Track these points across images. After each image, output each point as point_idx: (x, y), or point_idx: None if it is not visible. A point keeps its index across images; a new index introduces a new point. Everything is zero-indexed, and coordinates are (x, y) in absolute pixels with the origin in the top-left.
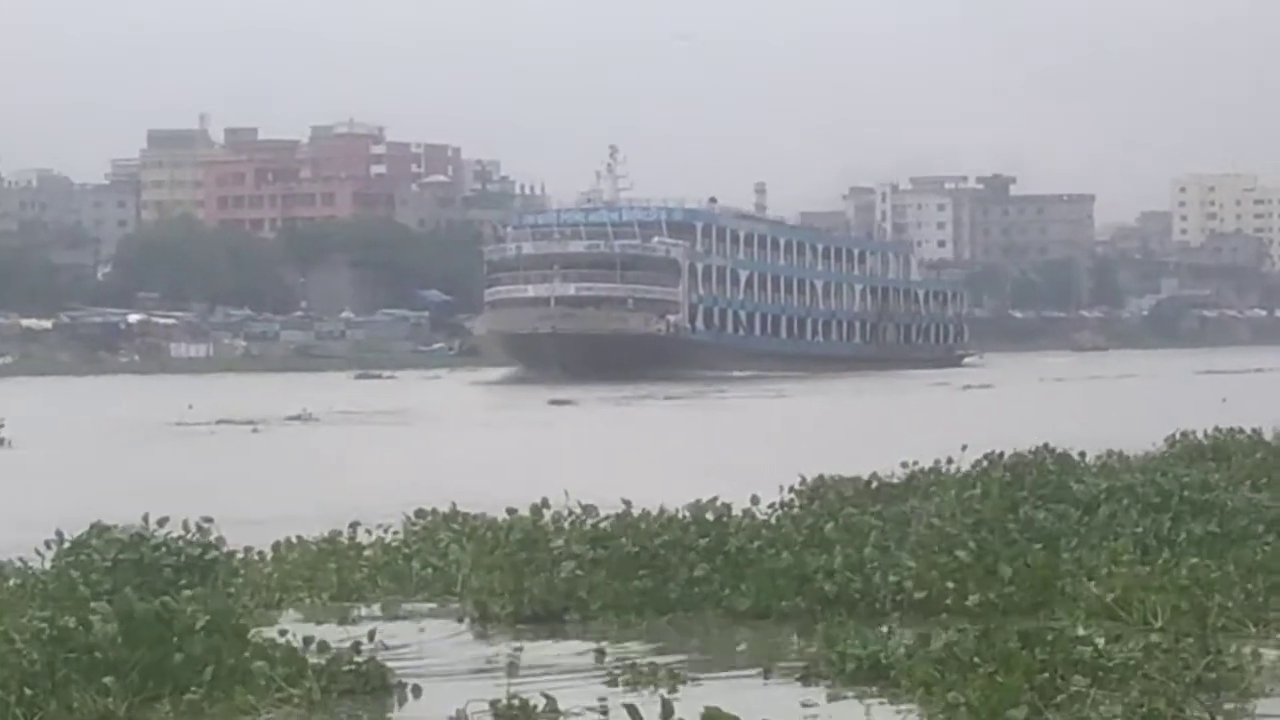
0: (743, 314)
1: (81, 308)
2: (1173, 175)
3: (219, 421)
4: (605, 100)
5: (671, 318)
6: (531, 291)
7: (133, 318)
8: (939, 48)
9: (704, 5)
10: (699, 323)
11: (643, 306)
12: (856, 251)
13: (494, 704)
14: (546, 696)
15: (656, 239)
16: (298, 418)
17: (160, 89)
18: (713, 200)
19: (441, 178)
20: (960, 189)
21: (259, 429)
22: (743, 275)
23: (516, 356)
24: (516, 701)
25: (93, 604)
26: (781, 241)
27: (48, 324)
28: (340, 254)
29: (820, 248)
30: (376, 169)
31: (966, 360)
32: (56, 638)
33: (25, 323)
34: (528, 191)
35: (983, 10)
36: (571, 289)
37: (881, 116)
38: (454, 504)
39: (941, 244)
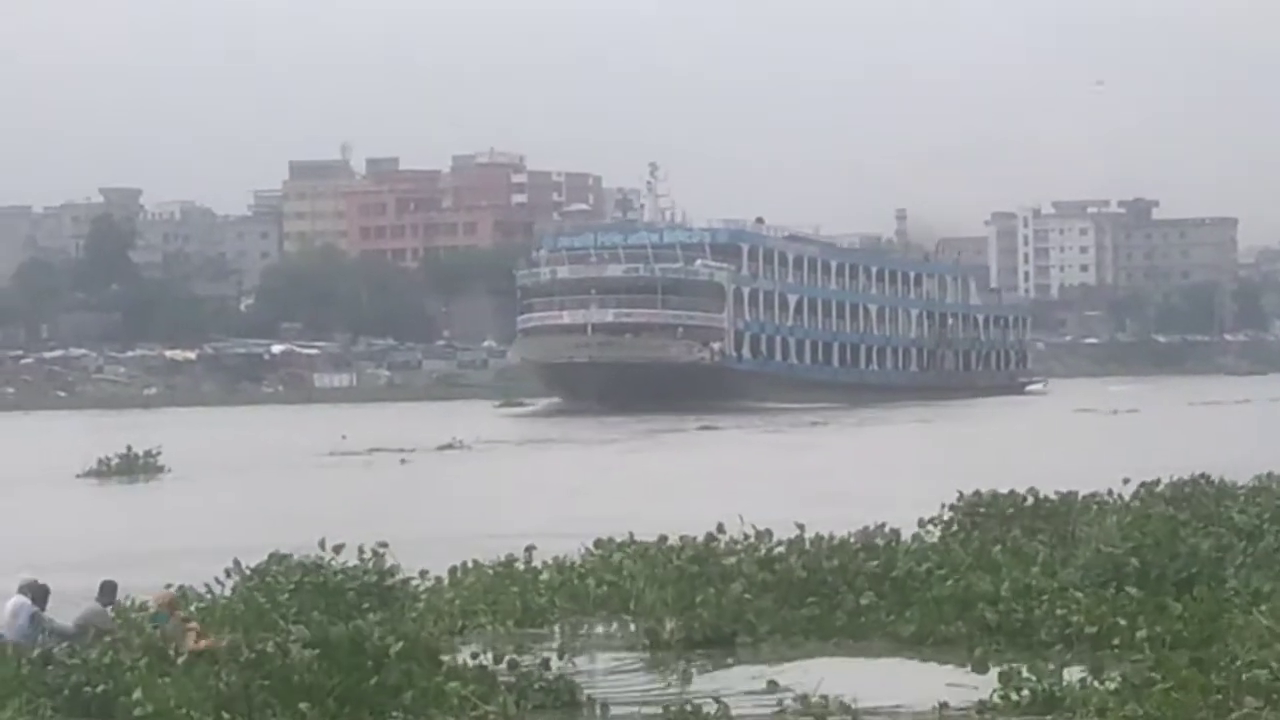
0: (792, 341)
1: (225, 339)
2: None
3: (371, 450)
4: (743, 129)
5: (716, 345)
6: (567, 318)
7: (276, 348)
8: (1081, 74)
9: (841, 36)
10: (745, 351)
11: (685, 334)
12: (913, 275)
13: (666, 709)
14: (718, 701)
15: (700, 262)
16: (449, 446)
17: (302, 120)
18: (759, 220)
19: (583, 206)
20: (1102, 213)
21: (407, 459)
22: (792, 300)
23: (552, 387)
24: (689, 708)
25: (290, 628)
26: (833, 264)
27: (192, 355)
28: (482, 283)
29: (874, 271)
30: (518, 198)
31: (1030, 387)
32: (254, 661)
33: (170, 354)
34: (668, 219)
35: (1124, 35)
36: (609, 315)
37: (1022, 142)
38: (631, 534)
39: (1084, 268)
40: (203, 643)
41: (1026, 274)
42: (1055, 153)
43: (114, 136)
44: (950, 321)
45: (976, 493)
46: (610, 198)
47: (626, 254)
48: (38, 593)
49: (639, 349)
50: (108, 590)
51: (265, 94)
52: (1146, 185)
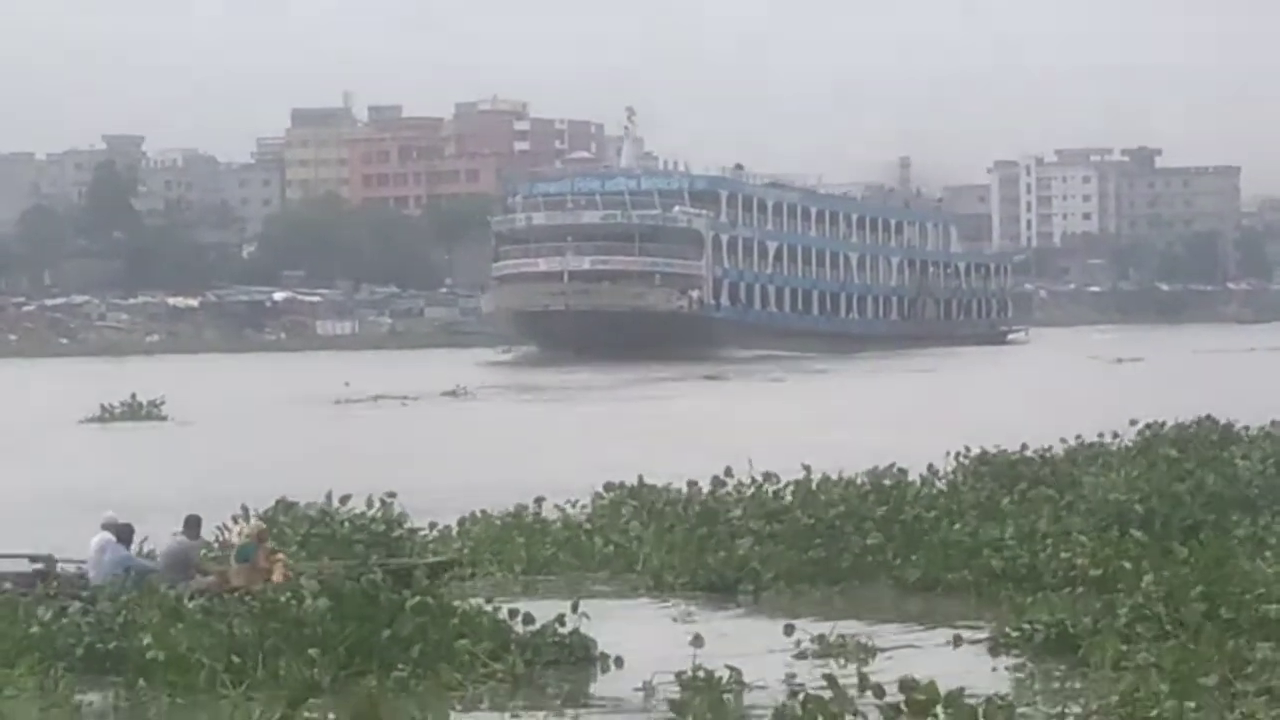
0: (771, 289)
1: (227, 286)
2: None
3: (376, 397)
4: (744, 79)
5: (694, 293)
6: (543, 265)
7: (278, 296)
8: (1081, 20)
9: None
10: (724, 299)
11: (663, 281)
12: (893, 222)
13: (679, 675)
14: (731, 668)
15: (678, 208)
16: (453, 393)
17: (304, 68)
18: (739, 167)
19: (585, 154)
20: (1105, 161)
21: (407, 403)
22: (771, 247)
23: (527, 335)
24: (702, 674)
25: (301, 579)
26: (813, 211)
27: (194, 302)
28: (485, 230)
29: (855, 218)
30: (520, 145)
31: (1011, 336)
32: (267, 610)
33: (172, 301)
34: (670, 166)
35: None
36: (586, 263)
37: (1024, 88)
38: (640, 477)
39: (1086, 216)
40: (289, 575)
41: (1029, 222)
42: (1057, 100)
43: (116, 84)
44: (931, 269)
45: (983, 450)
46: (612, 145)
47: (604, 200)
48: (122, 530)
49: (616, 297)
50: (193, 524)
51: (267, 41)
52: (1149, 133)
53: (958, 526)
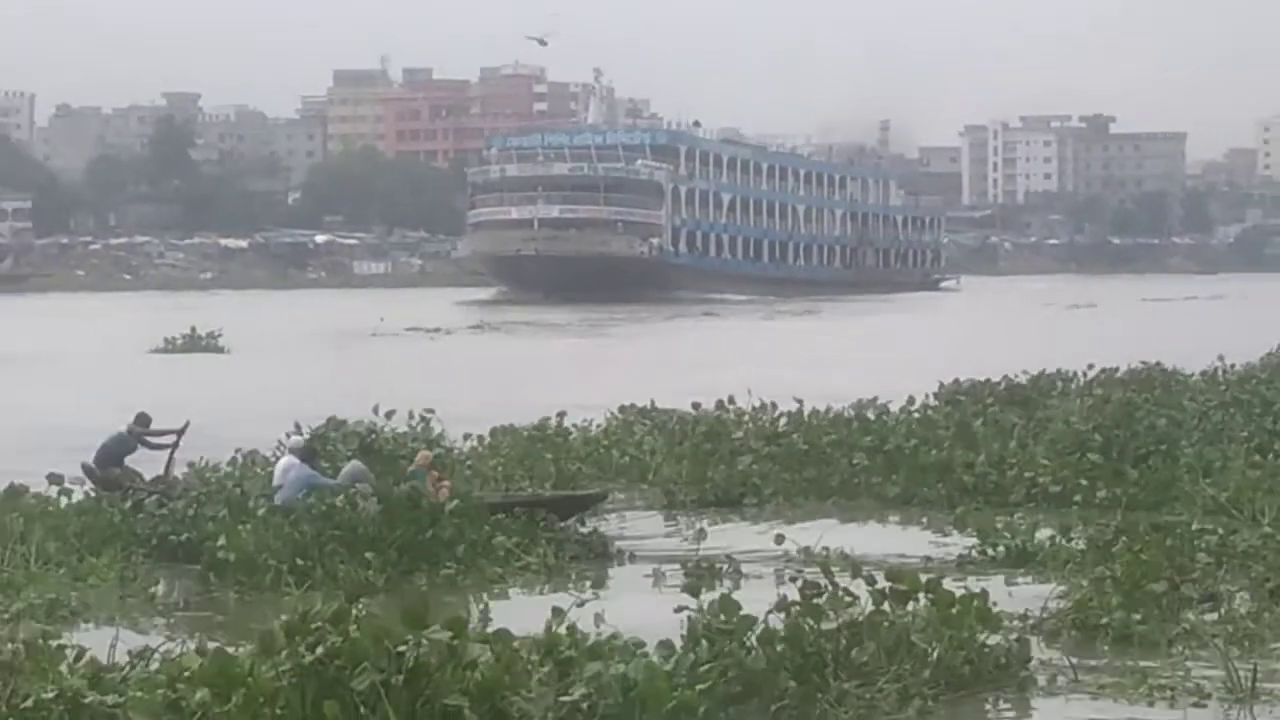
0: (725, 237)
1: (274, 229)
2: (1258, 115)
3: (408, 329)
4: (754, 41)
5: (654, 241)
6: (515, 213)
7: (320, 238)
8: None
9: None
10: (681, 246)
11: (625, 229)
12: (837, 177)
13: (684, 564)
14: (729, 559)
15: (640, 162)
16: (478, 327)
17: (345, 33)
18: (696, 124)
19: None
20: (1065, 127)
21: (435, 336)
22: (725, 199)
23: (499, 278)
24: (705, 564)
25: (355, 486)
26: (764, 166)
27: (244, 244)
28: None
29: (802, 173)
30: (539, 106)
31: (943, 284)
32: (325, 515)
33: (224, 242)
34: (675, 127)
35: None
36: (554, 211)
37: (995, 59)
38: (653, 400)
39: (1047, 176)
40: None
41: (995, 180)
42: (1021, 70)
43: (177, 46)
44: (871, 221)
45: (956, 380)
46: (621, 106)
47: (571, 153)
48: (306, 453)
49: (582, 243)
50: (370, 451)
51: (312, 7)
52: (1105, 101)
53: (934, 452)
